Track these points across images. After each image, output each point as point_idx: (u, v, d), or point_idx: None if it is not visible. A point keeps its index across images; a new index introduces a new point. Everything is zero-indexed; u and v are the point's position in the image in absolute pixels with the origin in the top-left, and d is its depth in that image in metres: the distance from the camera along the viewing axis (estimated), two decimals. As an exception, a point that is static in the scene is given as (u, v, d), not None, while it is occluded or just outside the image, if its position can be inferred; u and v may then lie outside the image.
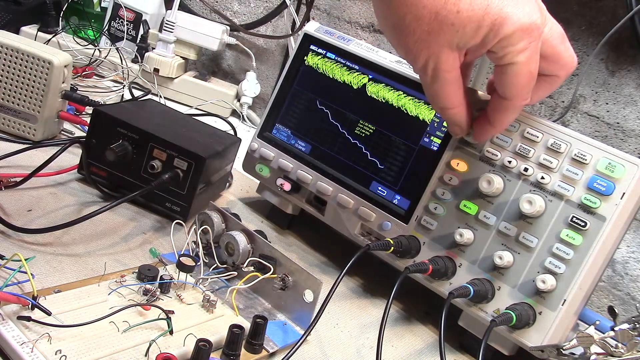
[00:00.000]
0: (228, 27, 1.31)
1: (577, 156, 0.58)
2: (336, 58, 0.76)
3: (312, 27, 0.79)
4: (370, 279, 0.74)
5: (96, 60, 1.19)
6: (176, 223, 0.63)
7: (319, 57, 0.77)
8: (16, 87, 0.79)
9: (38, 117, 0.80)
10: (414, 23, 0.48)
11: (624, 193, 0.56)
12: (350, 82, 0.74)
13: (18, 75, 0.78)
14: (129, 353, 0.46)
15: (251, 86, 1.29)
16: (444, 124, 0.67)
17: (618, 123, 0.89)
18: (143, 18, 1.29)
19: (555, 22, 0.52)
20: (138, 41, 1.28)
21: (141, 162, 0.71)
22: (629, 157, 0.57)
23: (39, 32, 1.20)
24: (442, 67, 0.50)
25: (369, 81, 0.73)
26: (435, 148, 0.67)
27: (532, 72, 0.50)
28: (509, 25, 0.47)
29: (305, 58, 0.78)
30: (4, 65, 0.78)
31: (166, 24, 1.22)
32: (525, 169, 0.60)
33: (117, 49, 1.22)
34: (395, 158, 0.70)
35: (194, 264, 0.60)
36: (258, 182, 0.82)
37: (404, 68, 0.71)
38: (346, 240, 0.74)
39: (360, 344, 0.61)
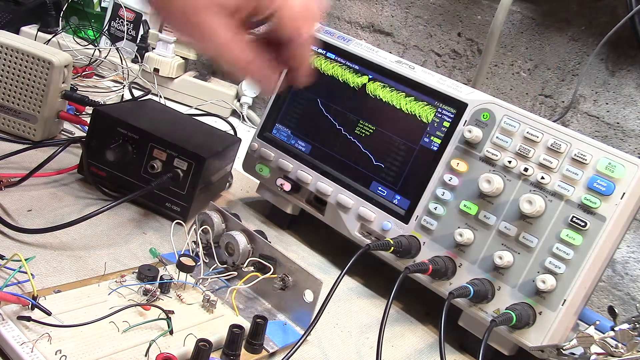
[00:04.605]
0: (228, 27, 1.31)
1: (577, 156, 0.58)
2: (336, 58, 0.76)
3: (312, 27, 0.79)
4: (370, 279, 0.74)
5: (96, 60, 1.19)
6: (176, 223, 0.63)
7: (319, 57, 0.77)
8: (16, 87, 0.79)
9: (38, 117, 0.80)
10: (180, 2, 0.49)
11: (624, 193, 0.56)
12: (350, 82, 0.74)
13: (18, 75, 0.78)
14: (129, 353, 0.46)
15: (251, 86, 1.29)
16: (444, 124, 0.67)
17: (618, 123, 0.89)
18: (143, 18, 1.29)
19: None
20: (138, 41, 1.28)
21: (141, 162, 0.71)
22: (629, 157, 0.57)
23: (39, 32, 1.20)
24: (215, 32, 0.50)
25: (369, 81, 0.73)
26: (435, 148, 0.67)
27: (303, 4, 0.52)
28: None
29: (305, 58, 0.78)
30: (4, 65, 0.78)
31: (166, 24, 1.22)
32: (526, 169, 0.60)
33: (117, 49, 1.22)
34: (395, 158, 0.70)
35: (194, 264, 0.60)
36: (258, 182, 0.82)
37: (404, 68, 0.71)
38: (346, 240, 0.74)
39: (360, 344, 0.61)
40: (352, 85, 0.74)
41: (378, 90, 0.72)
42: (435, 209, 0.65)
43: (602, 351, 0.51)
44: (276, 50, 0.57)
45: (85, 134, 0.77)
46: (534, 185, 0.60)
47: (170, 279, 0.55)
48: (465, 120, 0.65)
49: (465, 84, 0.69)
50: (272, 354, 0.53)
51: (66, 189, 0.72)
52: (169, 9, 0.50)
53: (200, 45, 0.53)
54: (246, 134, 1.17)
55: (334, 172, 0.74)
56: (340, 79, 0.75)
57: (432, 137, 0.68)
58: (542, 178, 0.59)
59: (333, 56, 0.76)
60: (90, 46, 1.21)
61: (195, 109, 1.25)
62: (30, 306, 0.46)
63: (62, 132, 0.87)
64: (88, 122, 0.73)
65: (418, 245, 0.66)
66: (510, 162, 0.61)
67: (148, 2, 0.53)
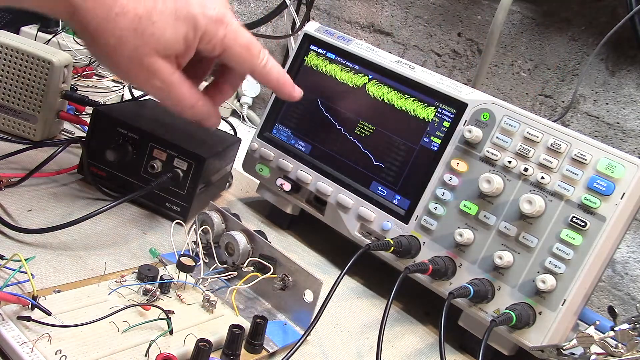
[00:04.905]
0: (228, 27, 1.31)
1: (577, 156, 0.58)
2: (336, 58, 0.76)
3: (312, 27, 0.79)
4: (370, 279, 0.74)
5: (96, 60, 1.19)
6: (176, 223, 0.63)
7: (319, 57, 0.77)
8: (16, 87, 0.79)
9: (38, 117, 0.80)
10: (119, 45, 0.49)
11: (624, 193, 0.56)
12: (350, 82, 0.74)
13: (18, 75, 0.78)
14: (129, 353, 0.46)
15: (251, 86, 1.29)
16: (444, 124, 0.67)
17: (618, 123, 0.89)
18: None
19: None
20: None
21: (141, 162, 0.71)
22: (629, 157, 0.57)
23: (39, 32, 1.20)
24: (161, 76, 0.51)
25: (369, 81, 0.73)
26: (435, 148, 0.67)
27: (246, 43, 0.53)
28: (201, 22, 0.50)
29: (305, 58, 0.78)
30: (4, 65, 0.78)
31: (166, 24, 1.22)
32: (526, 169, 0.60)
33: (117, 48, 1.22)
34: (395, 158, 0.70)
35: (194, 264, 0.60)
36: (258, 182, 0.82)
37: (404, 68, 0.71)
38: (346, 240, 0.74)
39: (360, 344, 0.61)
40: (352, 85, 0.74)
41: (378, 90, 0.72)
42: (435, 209, 0.65)
43: (602, 351, 0.51)
44: (213, 85, 0.61)
45: (85, 134, 0.77)
46: (534, 185, 0.60)
47: (170, 279, 0.55)
48: (465, 120, 0.65)
49: (465, 84, 0.69)
50: (272, 354, 0.53)
51: (66, 189, 0.72)
52: (114, 58, 0.50)
53: (148, 89, 0.54)
54: (246, 134, 1.17)
55: (334, 172, 0.74)
56: (340, 79, 0.75)
57: (432, 137, 0.68)
58: (542, 178, 0.59)
59: (333, 56, 0.76)
60: (90, 46, 1.21)
61: (195, 109, 1.24)
62: (30, 306, 0.46)
63: (62, 132, 0.87)
64: (88, 122, 0.73)
65: (418, 245, 0.66)
66: (510, 162, 0.61)
67: (90, 52, 0.54)
